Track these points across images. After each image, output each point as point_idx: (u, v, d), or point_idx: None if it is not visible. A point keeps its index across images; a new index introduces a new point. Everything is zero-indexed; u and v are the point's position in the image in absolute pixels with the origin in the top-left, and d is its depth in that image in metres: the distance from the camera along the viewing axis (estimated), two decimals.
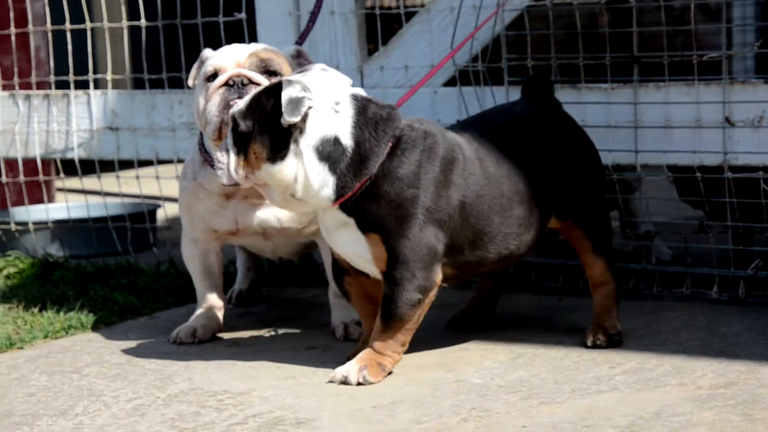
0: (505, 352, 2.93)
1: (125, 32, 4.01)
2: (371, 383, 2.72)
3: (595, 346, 2.90)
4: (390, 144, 2.71)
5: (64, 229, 4.22)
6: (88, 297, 3.59)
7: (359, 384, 2.72)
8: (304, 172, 2.67)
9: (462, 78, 3.59)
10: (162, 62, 3.94)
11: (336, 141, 2.68)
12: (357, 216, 2.71)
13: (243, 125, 2.67)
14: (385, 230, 2.70)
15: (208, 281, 3.18)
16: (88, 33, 4.05)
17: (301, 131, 2.67)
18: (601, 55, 3.41)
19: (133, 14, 4.00)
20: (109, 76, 4.04)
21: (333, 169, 2.68)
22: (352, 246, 2.74)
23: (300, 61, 3.08)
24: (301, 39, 3.34)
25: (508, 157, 2.87)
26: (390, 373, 2.77)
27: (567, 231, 2.99)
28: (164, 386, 2.81)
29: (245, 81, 2.92)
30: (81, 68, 4.05)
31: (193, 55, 3.82)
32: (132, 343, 3.19)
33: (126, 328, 3.33)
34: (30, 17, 4.34)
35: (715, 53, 3.33)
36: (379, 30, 3.69)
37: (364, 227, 2.72)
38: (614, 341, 2.90)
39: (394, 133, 2.73)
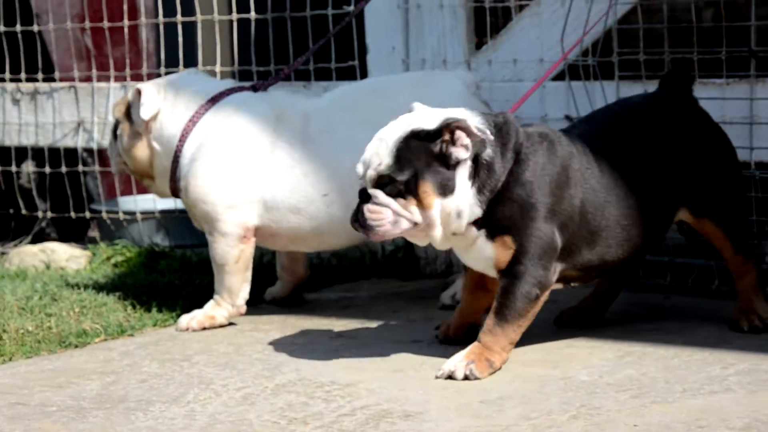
0: (612, 350, 2.89)
1: (234, 24, 4.05)
2: (477, 379, 2.71)
3: (752, 330, 2.94)
4: (515, 152, 2.76)
5: (170, 218, 4.28)
6: (194, 286, 3.63)
7: (465, 378, 2.71)
8: (466, 200, 2.74)
9: (571, 72, 3.55)
10: (270, 55, 3.97)
11: (485, 163, 2.74)
12: (487, 226, 2.77)
13: (400, 176, 2.71)
14: (513, 229, 2.75)
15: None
16: (198, 25, 4.10)
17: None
18: (717, 49, 3.34)
19: (242, 7, 4.04)
20: (218, 68, 4.08)
21: (480, 191, 2.75)
22: (483, 257, 2.80)
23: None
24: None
25: (625, 149, 2.86)
26: (496, 371, 2.76)
27: (703, 228, 2.98)
28: (272, 376, 2.83)
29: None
30: (190, 60, 4.10)
31: (302, 48, 3.84)
32: (238, 332, 3.22)
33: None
34: (142, 9, 4.41)
35: None
36: (488, 23, 3.67)
37: (493, 234, 2.77)
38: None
39: (517, 140, 2.77)
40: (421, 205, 2.72)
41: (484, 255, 2.79)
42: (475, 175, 2.73)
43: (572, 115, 3.55)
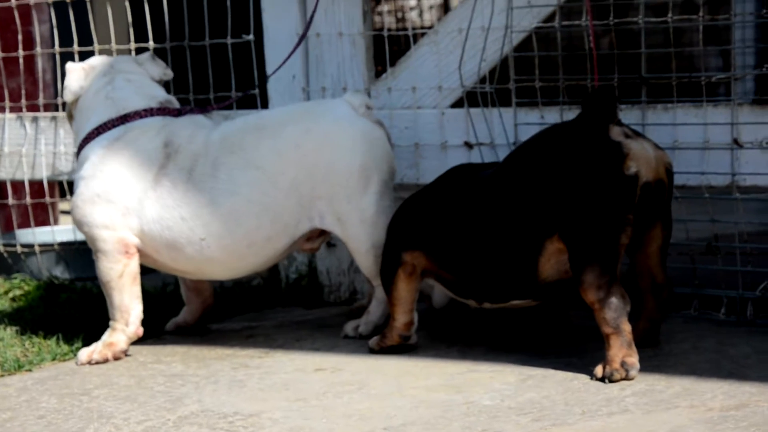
0: (514, 374, 2.93)
1: (133, 54, 4.02)
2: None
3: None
4: None
5: (69, 250, 4.22)
6: (95, 318, 3.58)
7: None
8: None
9: (470, 99, 3.60)
10: (169, 83, 3.95)
11: None
12: None
13: None
14: None
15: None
16: (96, 54, 4.06)
17: None
18: (609, 76, 3.42)
19: (140, 36, 4.01)
20: None
21: None
22: None
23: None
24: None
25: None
26: None
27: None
28: (174, 408, 2.81)
29: None
30: None
31: (202, 77, 3.84)
32: (140, 365, 3.19)
33: (134, 349, 3.33)
34: (37, 39, 4.36)
35: (723, 75, 3.35)
36: (387, 51, 3.71)
37: None
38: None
39: None
40: None
41: None
42: None
43: (471, 141, 3.60)
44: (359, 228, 3.26)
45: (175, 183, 3.24)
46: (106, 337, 3.26)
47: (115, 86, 3.36)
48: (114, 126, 3.30)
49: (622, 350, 2.80)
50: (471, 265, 3.01)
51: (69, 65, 3.40)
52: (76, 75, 3.38)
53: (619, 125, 2.90)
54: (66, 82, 3.37)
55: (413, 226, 3.12)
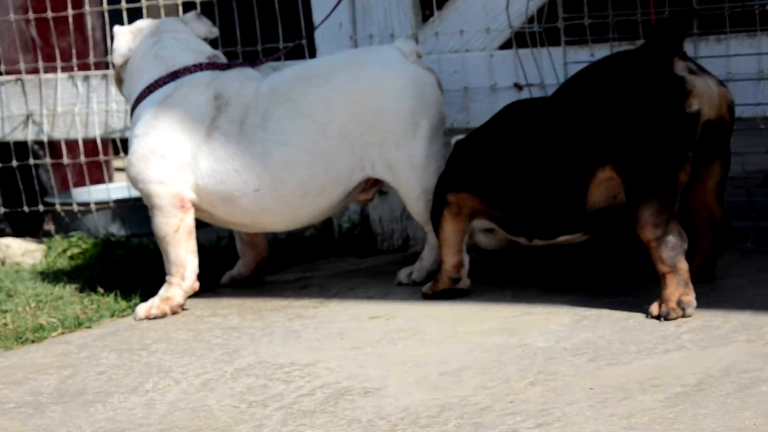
0: (569, 315, 2.91)
1: (180, 8, 4.02)
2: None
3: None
4: None
5: (125, 208, 4.26)
6: (151, 274, 3.61)
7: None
8: None
9: (518, 40, 3.55)
10: (217, 37, 3.94)
11: None
12: None
13: None
14: None
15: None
16: (144, 10, 4.06)
17: None
18: (659, 9, 3.35)
19: None
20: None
21: None
22: None
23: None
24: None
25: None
26: None
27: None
28: (231, 360, 2.83)
29: None
30: None
31: (249, 30, 3.82)
32: (197, 318, 3.22)
33: (190, 303, 3.36)
34: None
35: None
36: None
37: None
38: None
39: None
40: None
41: None
42: None
43: (521, 83, 3.56)
44: (409, 173, 3.24)
45: (227, 136, 3.25)
46: (163, 292, 3.29)
47: (163, 45, 3.37)
48: (165, 83, 3.32)
49: (678, 289, 2.77)
50: (520, 199, 2.98)
51: (116, 28, 3.42)
52: (125, 38, 3.40)
53: (684, 59, 2.83)
54: (114, 45, 3.39)
55: (460, 167, 3.10)
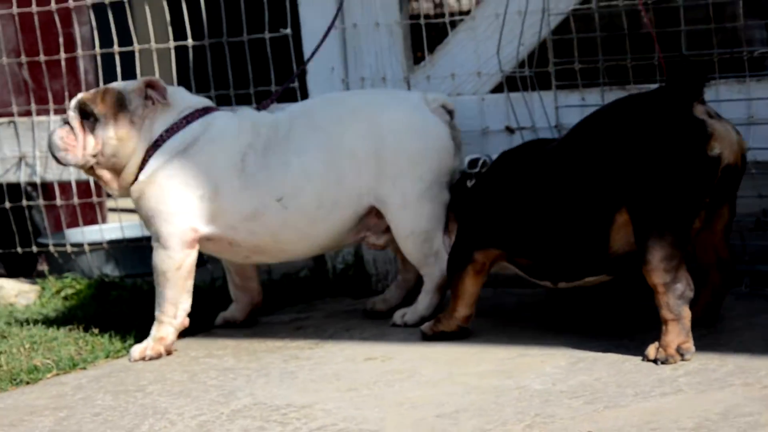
0: (565, 357, 2.92)
1: (172, 52, 4.05)
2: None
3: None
4: None
5: (119, 248, 4.27)
6: (146, 315, 3.61)
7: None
8: None
9: (509, 84, 3.59)
10: (210, 81, 3.98)
11: None
12: None
13: None
14: None
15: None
16: (136, 54, 4.09)
17: None
18: (650, 55, 3.40)
19: (178, 34, 4.04)
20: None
21: None
22: None
23: (147, 90, 3.33)
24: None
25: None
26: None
27: None
28: (227, 402, 2.83)
29: (63, 122, 3.44)
30: None
31: (241, 72, 3.85)
32: (192, 360, 3.22)
33: (185, 345, 3.36)
34: (78, 41, 4.40)
35: (765, 49, 3.31)
36: (425, 39, 3.71)
37: None
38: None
39: None
40: None
41: None
42: None
43: (512, 126, 3.59)
44: (400, 212, 3.30)
45: (255, 156, 3.31)
46: (155, 332, 3.30)
47: (182, 92, 3.43)
48: (197, 117, 3.34)
49: (679, 337, 2.78)
50: (546, 246, 2.97)
51: (150, 78, 3.36)
52: (161, 82, 3.38)
53: (702, 103, 2.82)
54: (161, 86, 3.33)
55: (483, 221, 3.09)
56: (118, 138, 3.30)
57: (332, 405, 2.73)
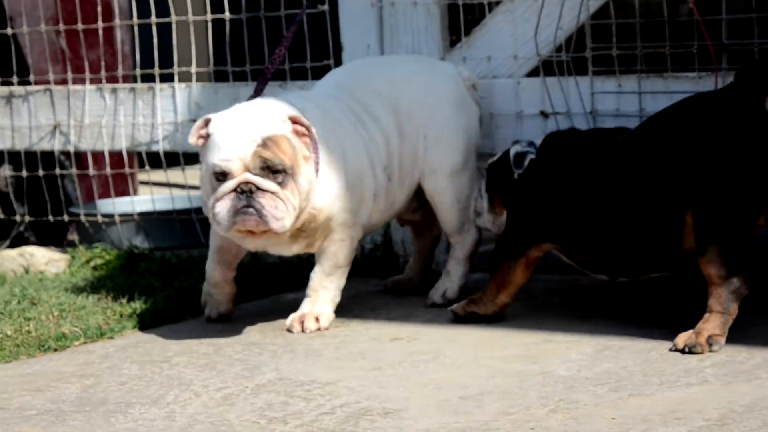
0: (591, 344, 2.91)
1: (209, 25, 4.05)
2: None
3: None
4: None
5: (149, 221, 4.28)
6: (174, 288, 3.63)
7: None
8: None
9: (546, 68, 3.57)
10: (245, 55, 3.98)
11: None
12: None
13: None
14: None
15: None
16: (173, 26, 4.10)
17: None
18: (688, 43, 3.37)
19: (216, 7, 4.04)
20: (193, 69, 4.08)
21: None
22: None
23: (295, 128, 3.07)
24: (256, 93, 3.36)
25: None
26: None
27: None
28: (252, 376, 2.84)
29: (253, 189, 2.98)
30: (166, 62, 4.10)
31: (276, 47, 3.85)
32: (219, 333, 3.23)
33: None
34: (116, 11, 4.41)
35: None
36: (461, 20, 3.69)
37: None
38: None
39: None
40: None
41: None
42: None
43: (547, 110, 3.57)
44: (448, 181, 3.36)
45: (358, 133, 3.30)
46: (329, 308, 3.25)
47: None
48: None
49: (716, 329, 2.76)
50: (612, 242, 2.95)
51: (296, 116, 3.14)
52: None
53: None
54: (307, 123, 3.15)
55: (540, 216, 3.07)
56: (308, 181, 3.07)
57: (356, 383, 2.74)
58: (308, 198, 3.08)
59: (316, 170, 3.13)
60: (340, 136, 3.25)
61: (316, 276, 3.26)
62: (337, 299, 3.28)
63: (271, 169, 2.99)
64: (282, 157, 3.00)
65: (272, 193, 2.98)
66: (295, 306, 3.48)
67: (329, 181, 3.18)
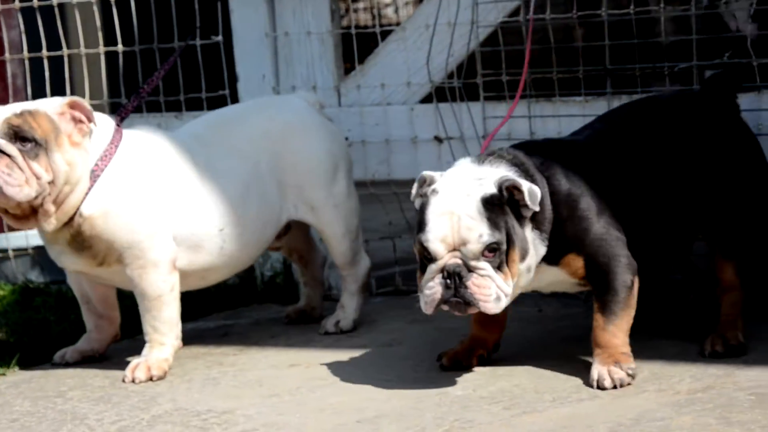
0: (487, 364, 2.94)
1: (102, 57, 4.03)
2: (626, 384, 2.68)
3: (712, 355, 2.84)
4: (543, 177, 2.74)
5: (44, 254, 4.22)
6: (70, 321, 3.59)
7: (617, 387, 2.67)
8: (534, 253, 2.73)
9: (438, 94, 3.62)
10: (139, 87, 3.95)
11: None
12: (547, 257, 2.75)
13: (503, 246, 2.64)
14: (574, 244, 2.74)
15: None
16: (65, 59, 4.06)
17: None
18: (575, 68, 3.45)
19: (109, 39, 4.02)
20: (86, 101, 4.04)
21: (541, 233, 2.74)
22: (556, 281, 2.80)
23: (72, 112, 3.02)
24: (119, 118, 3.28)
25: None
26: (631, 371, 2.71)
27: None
28: (148, 407, 2.82)
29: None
30: (59, 94, 4.05)
31: (170, 78, 3.84)
32: (114, 365, 3.19)
33: (108, 351, 3.33)
34: (6, 45, 4.36)
35: (685, 64, 3.38)
36: (355, 49, 3.73)
37: (557, 258, 2.75)
38: (734, 351, 2.84)
39: (533, 165, 2.75)
40: (509, 275, 2.65)
41: (554, 279, 2.79)
42: (533, 221, 2.70)
43: (441, 135, 3.62)
44: (333, 213, 3.32)
45: (190, 183, 3.18)
46: (158, 353, 3.10)
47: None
48: (121, 136, 3.14)
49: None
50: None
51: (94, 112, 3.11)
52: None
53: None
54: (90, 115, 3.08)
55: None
56: (68, 163, 3.00)
57: (253, 410, 2.73)
58: (67, 181, 2.99)
59: (97, 175, 3.04)
60: (173, 173, 3.15)
61: (142, 317, 3.13)
62: (172, 339, 3.12)
63: (18, 136, 2.96)
64: (34, 126, 2.97)
65: (9, 156, 2.94)
66: (195, 336, 3.46)
67: (110, 196, 3.04)
